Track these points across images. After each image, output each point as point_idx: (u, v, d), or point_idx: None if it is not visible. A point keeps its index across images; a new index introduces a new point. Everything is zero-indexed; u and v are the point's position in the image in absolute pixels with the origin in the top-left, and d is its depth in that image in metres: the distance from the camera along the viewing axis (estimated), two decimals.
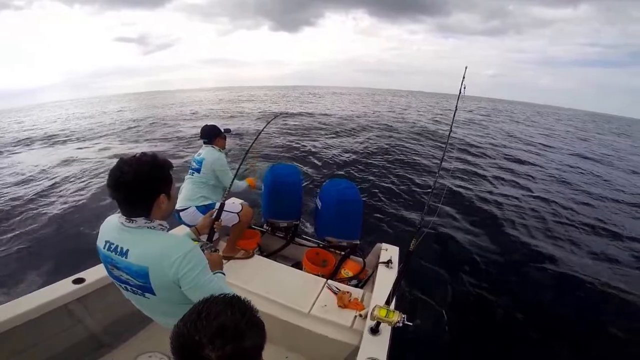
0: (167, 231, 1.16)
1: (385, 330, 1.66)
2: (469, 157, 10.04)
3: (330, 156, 8.93)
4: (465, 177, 7.86)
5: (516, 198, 6.70)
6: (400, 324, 1.54)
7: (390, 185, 6.89)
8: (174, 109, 26.75)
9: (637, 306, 3.43)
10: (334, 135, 12.54)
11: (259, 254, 2.66)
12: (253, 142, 2.46)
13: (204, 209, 2.40)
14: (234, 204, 2.62)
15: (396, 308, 1.65)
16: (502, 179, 8.10)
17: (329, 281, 2.22)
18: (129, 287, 1.13)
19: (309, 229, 3.91)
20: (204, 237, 1.73)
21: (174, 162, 1.18)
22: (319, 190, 2.96)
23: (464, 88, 2.13)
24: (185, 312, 0.69)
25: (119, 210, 1.10)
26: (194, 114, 21.20)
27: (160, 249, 1.06)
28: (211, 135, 2.62)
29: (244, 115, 18.93)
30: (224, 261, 2.25)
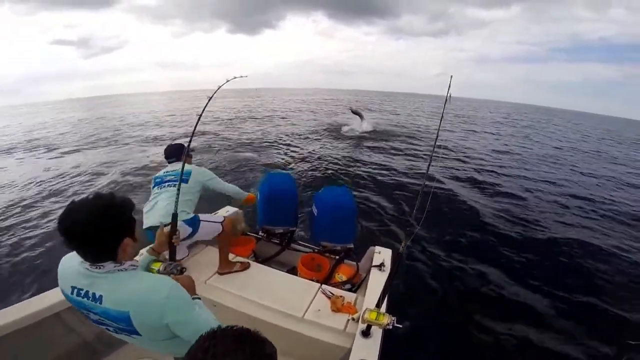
0: (139, 269, 1.11)
1: (377, 333, 1.70)
2: (450, 158, 10.53)
3: (318, 162, 9.05)
4: (452, 178, 8.19)
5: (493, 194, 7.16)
6: (391, 327, 1.57)
7: (382, 188, 7.04)
8: (119, 114, 25.84)
9: None
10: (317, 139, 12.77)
11: (254, 260, 2.69)
12: (207, 104, 2.10)
13: (191, 222, 2.20)
14: (216, 214, 2.49)
15: (387, 310, 1.70)
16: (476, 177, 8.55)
17: (323, 286, 2.25)
18: (111, 329, 1.07)
19: (305, 234, 3.95)
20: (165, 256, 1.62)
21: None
22: (314, 196, 3.02)
23: (450, 96, 2.20)
24: (191, 347, 0.65)
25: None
26: (146, 122, 20.34)
27: (140, 293, 1.00)
28: (179, 154, 2.42)
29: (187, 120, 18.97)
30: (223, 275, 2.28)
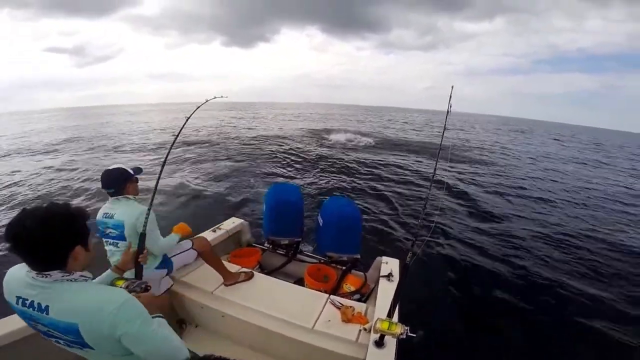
0: (91, 281, 1.05)
1: (391, 343, 1.68)
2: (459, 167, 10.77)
3: (323, 174, 9.13)
4: (457, 187, 8.33)
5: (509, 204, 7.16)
6: (404, 336, 1.56)
7: (388, 199, 7.08)
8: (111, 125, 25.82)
9: None
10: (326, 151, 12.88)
11: (259, 272, 2.67)
12: (181, 129, 2.07)
13: (162, 265, 2.07)
14: (181, 245, 2.21)
15: (399, 320, 1.67)
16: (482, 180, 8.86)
17: (332, 296, 2.23)
18: (61, 342, 1.00)
19: (311, 245, 3.95)
20: (130, 275, 1.57)
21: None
22: (319, 207, 3.03)
23: (451, 107, 2.26)
24: None
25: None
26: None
27: (89, 304, 0.95)
28: (119, 182, 1.92)
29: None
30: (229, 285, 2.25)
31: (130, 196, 1.96)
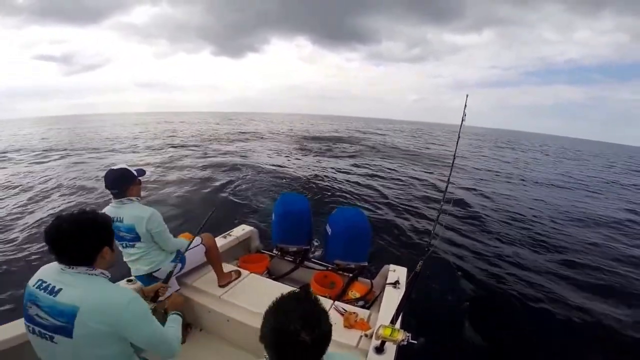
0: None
1: (390, 349, 1.67)
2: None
3: (331, 183, 9.18)
4: (468, 198, 8.25)
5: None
6: (405, 342, 1.55)
7: (398, 207, 7.09)
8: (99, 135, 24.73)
9: None
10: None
11: (267, 277, 2.71)
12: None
13: (177, 260, 2.12)
14: (194, 240, 2.24)
15: (402, 327, 1.67)
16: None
17: (336, 302, 2.23)
18: (36, 330, 1.06)
19: (319, 253, 3.97)
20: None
21: None
22: (328, 217, 3.06)
23: (465, 116, 2.24)
24: (268, 311, 0.81)
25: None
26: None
27: (100, 295, 1.06)
28: (123, 183, 1.92)
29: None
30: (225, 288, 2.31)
31: (133, 198, 1.97)
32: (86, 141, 19.56)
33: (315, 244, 3.92)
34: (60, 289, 1.04)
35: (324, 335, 0.79)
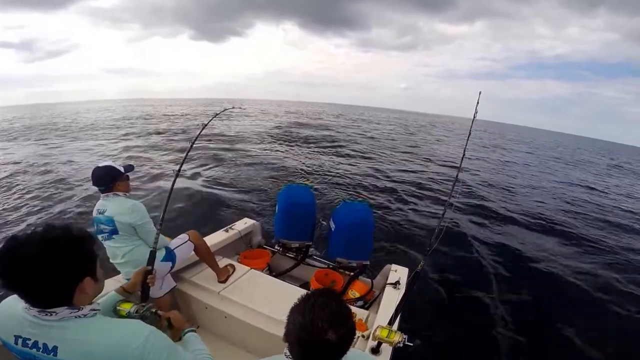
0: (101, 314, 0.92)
1: (386, 351, 1.66)
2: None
3: (336, 176, 9.08)
4: (474, 200, 8.03)
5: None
6: (401, 345, 1.54)
7: (401, 206, 7.00)
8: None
9: None
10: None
11: (268, 274, 2.69)
12: (197, 136, 2.06)
13: (168, 258, 2.08)
14: (179, 237, 2.25)
15: (399, 329, 1.65)
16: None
17: None
18: None
19: (321, 249, 3.92)
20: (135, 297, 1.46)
21: None
22: (332, 210, 3.00)
23: (477, 112, 2.15)
24: (294, 309, 0.82)
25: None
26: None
27: (108, 342, 0.82)
28: (108, 180, 1.91)
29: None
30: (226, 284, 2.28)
31: (121, 193, 1.95)
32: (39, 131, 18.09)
33: (317, 240, 3.89)
34: (55, 347, 0.79)
35: (349, 334, 0.80)
